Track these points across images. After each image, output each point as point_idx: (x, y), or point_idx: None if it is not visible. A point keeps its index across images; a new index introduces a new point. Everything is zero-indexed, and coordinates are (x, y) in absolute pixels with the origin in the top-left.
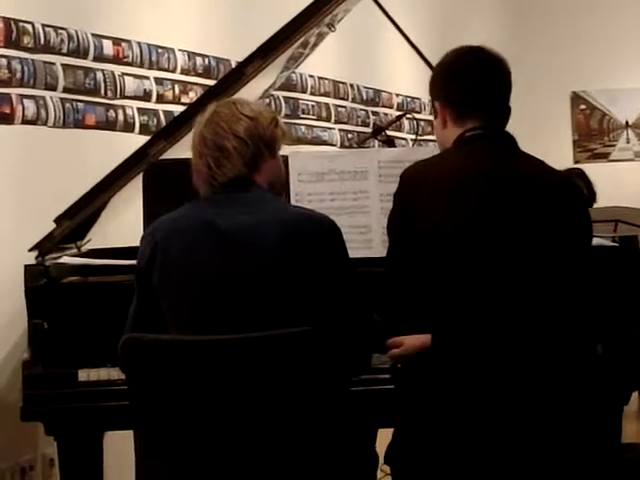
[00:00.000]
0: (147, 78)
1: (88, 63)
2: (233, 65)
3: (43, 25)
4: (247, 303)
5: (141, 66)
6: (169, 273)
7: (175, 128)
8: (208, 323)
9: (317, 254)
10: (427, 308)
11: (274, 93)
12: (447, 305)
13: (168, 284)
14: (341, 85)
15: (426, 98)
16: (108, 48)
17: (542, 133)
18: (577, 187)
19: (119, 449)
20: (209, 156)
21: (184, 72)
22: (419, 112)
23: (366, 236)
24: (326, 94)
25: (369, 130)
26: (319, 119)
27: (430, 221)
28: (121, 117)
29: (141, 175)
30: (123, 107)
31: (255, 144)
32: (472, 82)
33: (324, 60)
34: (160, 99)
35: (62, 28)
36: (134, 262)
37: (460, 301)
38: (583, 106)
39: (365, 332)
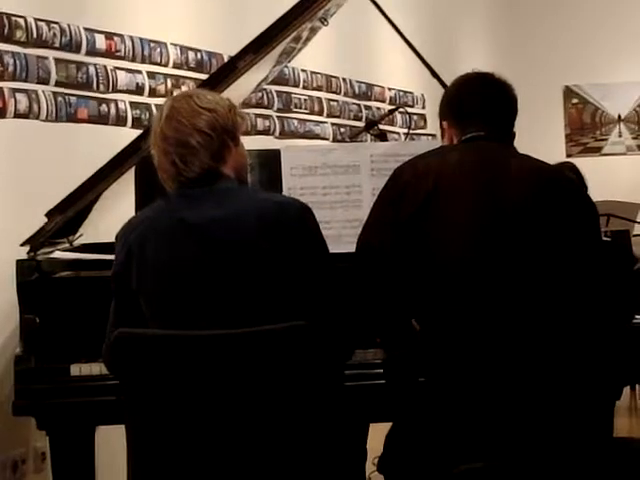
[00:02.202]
0: (139, 72)
1: (80, 57)
2: (226, 59)
3: (35, 19)
4: (228, 297)
5: (133, 60)
6: (147, 275)
7: None
8: (189, 320)
9: (292, 238)
10: (415, 296)
11: (266, 87)
12: (437, 291)
13: (147, 286)
14: (333, 79)
15: (418, 92)
16: (100, 42)
17: (534, 127)
18: (576, 182)
19: (111, 443)
20: (174, 153)
21: (176, 66)
22: (411, 106)
23: (358, 230)
24: (318, 88)
25: (361, 124)
26: (311, 113)
27: (417, 200)
28: (113, 111)
29: (133, 169)
30: (115, 101)
31: (219, 136)
32: (476, 99)
33: (316, 54)
34: (152, 93)
35: (54, 22)
36: None
37: (451, 285)
38: (575, 100)
39: (346, 319)
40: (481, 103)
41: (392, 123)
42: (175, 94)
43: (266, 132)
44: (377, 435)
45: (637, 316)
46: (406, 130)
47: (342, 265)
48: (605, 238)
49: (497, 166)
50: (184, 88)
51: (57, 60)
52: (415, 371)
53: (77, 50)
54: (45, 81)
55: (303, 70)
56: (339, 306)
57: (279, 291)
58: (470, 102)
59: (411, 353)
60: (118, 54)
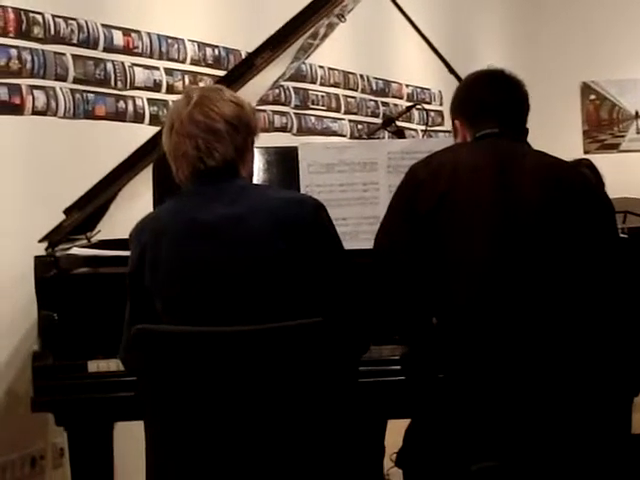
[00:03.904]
0: (157, 69)
1: (98, 54)
2: (243, 56)
3: (53, 16)
4: (241, 295)
5: (151, 57)
6: (160, 274)
7: None
8: (202, 318)
9: (306, 235)
10: (433, 293)
11: (284, 84)
12: (455, 288)
13: (160, 284)
14: (351, 76)
15: (436, 88)
16: (118, 39)
17: (552, 123)
18: (591, 179)
19: (129, 439)
20: (200, 137)
21: (194, 63)
22: (429, 103)
23: (375, 227)
24: (336, 85)
25: (379, 121)
26: (329, 110)
27: (432, 198)
28: (131, 108)
29: (151, 166)
30: (133, 98)
31: (243, 131)
32: (488, 96)
33: (334, 51)
34: (170, 90)
35: (72, 19)
36: None
37: (470, 282)
38: (593, 96)
39: (362, 315)
40: (493, 100)
41: (409, 120)
42: (202, 86)
43: (283, 129)
44: (395, 431)
45: None
46: (423, 127)
47: (359, 261)
48: (622, 235)
49: (512, 163)
50: (202, 84)
51: (75, 57)
52: (435, 367)
53: (95, 46)
54: (63, 78)
55: (320, 67)
56: (354, 302)
57: (293, 288)
58: (482, 99)
59: (430, 349)
60: (136, 51)
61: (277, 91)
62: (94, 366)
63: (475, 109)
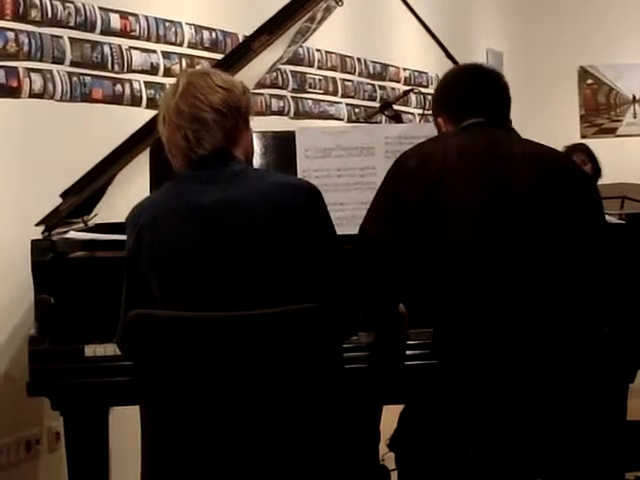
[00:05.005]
0: (154, 52)
1: (95, 37)
2: (240, 39)
3: None
4: (237, 279)
5: (148, 40)
6: (156, 257)
7: None
8: (199, 302)
9: (301, 220)
10: (422, 283)
11: (281, 67)
12: (447, 276)
13: (156, 268)
14: (348, 59)
15: (433, 72)
16: (115, 22)
17: (549, 108)
18: (579, 166)
19: (125, 424)
20: (187, 129)
21: (191, 46)
22: (426, 86)
23: None
24: (333, 68)
25: (376, 104)
26: (326, 93)
27: (422, 188)
28: (128, 91)
29: (148, 150)
30: (130, 81)
31: (232, 115)
32: (468, 89)
33: (331, 34)
34: (167, 73)
35: (69, 1)
36: None
37: (461, 269)
38: (590, 81)
39: (354, 300)
40: (474, 93)
41: (406, 104)
42: (190, 71)
43: (280, 112)
44: (391, 417)
45: None
46: (421, 111)
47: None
48: (619, 221)
49: (500, 151)
50: (199, 68)
51: (72, 40)
52: (401, 355)
53: (92, 29)
54: (60, 61)
55: (318, 50)
56: (345, 289)
57: (287, 273)
58: (463, 93)
59: (397, 338)
60: (133, 34)
61: (274, 75)
62: (90, 350)
63: (457, 103)
